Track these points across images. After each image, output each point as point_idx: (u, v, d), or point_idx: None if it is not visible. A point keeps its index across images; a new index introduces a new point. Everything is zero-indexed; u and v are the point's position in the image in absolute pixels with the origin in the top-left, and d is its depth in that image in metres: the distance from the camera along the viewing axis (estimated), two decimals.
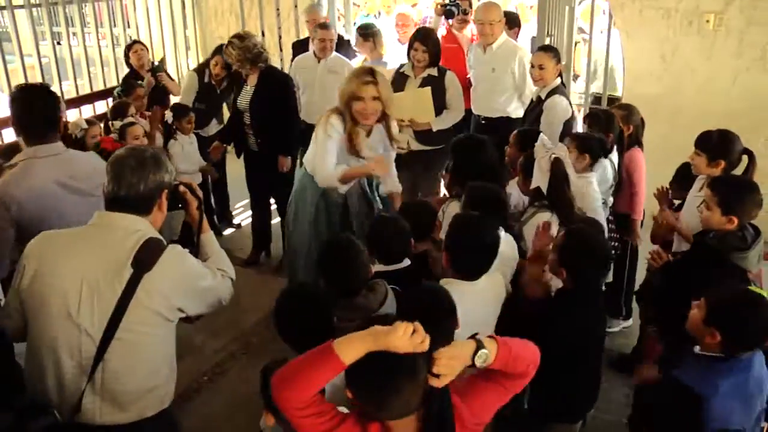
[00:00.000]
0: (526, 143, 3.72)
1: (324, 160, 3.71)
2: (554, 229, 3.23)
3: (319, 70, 5.52)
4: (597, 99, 6.16)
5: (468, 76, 5.46)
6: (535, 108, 4.61)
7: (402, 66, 5.11)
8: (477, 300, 2.65)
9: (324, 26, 5.56)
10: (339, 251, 2.68)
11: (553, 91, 4.51)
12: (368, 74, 3.55)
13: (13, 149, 4.32)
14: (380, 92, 3.53)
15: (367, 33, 5.84)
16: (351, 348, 1.66)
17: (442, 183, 4.83)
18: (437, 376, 1.70)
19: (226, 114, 5.70)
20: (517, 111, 5.22)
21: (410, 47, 4.92)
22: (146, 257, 2.17)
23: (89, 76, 6.99)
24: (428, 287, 2.45)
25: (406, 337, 1.65)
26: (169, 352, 2.42)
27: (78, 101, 6.39)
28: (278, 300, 2.46)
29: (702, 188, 3.19)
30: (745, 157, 3.47)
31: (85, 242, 2.22)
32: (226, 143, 5.37)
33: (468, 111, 5.36)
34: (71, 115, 5.76)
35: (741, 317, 2.25)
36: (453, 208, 3.44)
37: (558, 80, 4.58)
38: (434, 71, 4.91)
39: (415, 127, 4.89)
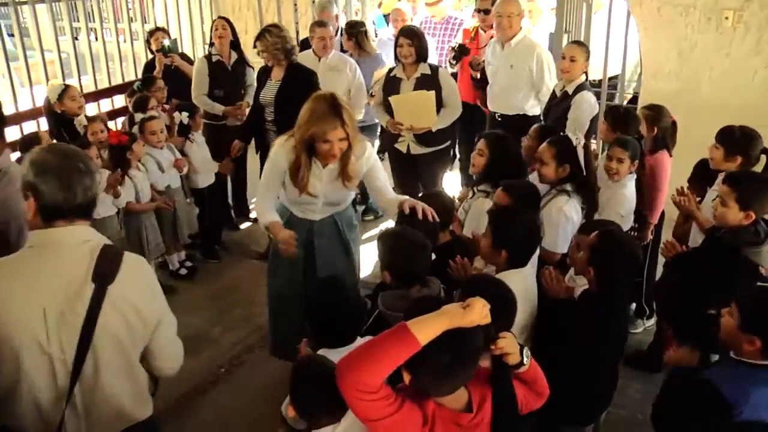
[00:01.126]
0: (546, 138, 3.79)
1: (263, 190, 3.46)
2: (572, 213, 3.35)
3: (321, 69, 5.37)
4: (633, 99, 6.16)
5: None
6: (561, 103, 4.62)
7: (392, 69, 5.05)
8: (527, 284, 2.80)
9: (321, 24, 5.53)
10: (404, 241, 2.71)
11: (580, 87, 4.55)
12: (335, 115, 3.10)
13: (32, 140, 4.41)
14: (348, 131, 3.15)
15: (351, 32, 5.83)
16: (427, 328, 1.71)
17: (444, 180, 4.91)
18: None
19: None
20: (533, 108, 5.23)
21: (396, 45, 4.89)
22: (106, 268, 1.99)
23: (108, 71, 7.06)
24: (489, 278, 2.57)
25: (483, 313, 1.76)
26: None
27: (96, 95, 6.45)
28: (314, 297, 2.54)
29: None
30: (763, 157, 3.49)
31: (32, 267, 1.99)
32: (246, 141, 5.29)
33: (475, 108, 5.37)
34: (90, 110, 5.81)
35: None
36: (480, 204, 3.49)
37: (583, 77, 4.61)
38: (426, 69, 4.86)
39: (415, 132, 4.88)
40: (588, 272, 2.69)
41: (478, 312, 1.76)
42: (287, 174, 3.33)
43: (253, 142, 5.32)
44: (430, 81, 4.82)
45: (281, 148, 3.32)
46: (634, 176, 3.80)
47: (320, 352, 2.36)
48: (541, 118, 4.95)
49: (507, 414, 1.90)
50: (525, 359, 1.95)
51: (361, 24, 6.06)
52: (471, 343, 1.77)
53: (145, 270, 2.15)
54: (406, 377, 1.79)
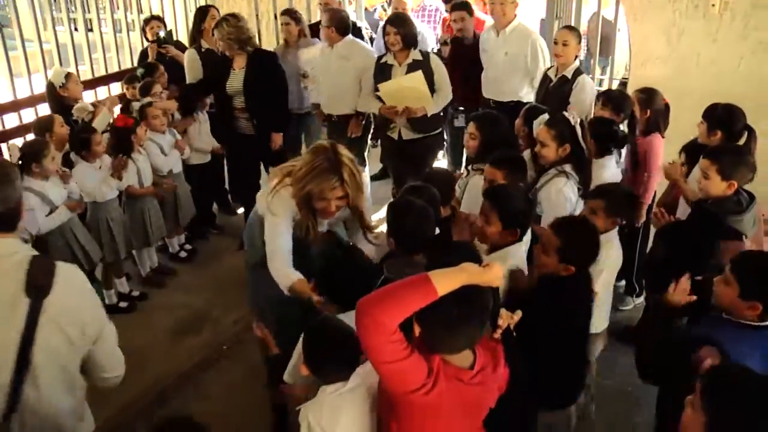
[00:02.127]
0: (530, 118, 3.93)
1: (278, 248, 3.01)
2: (570, 194, 3.46)
3: (331, 56, 5.35)
4: (623, 84, 6.28)
5: None
6: (560, 87, 4.74)
7: (382, 56, 5.10)
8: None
9: (327, 11, 5.49)
10: (409, 210, 2.82)
11: (578, 71, 4.68)
12: (334, 173, 2.86)
13: (46, 122, 4.49)
14: (348, 190, 2.91)
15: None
16: (447, 280, 1.79)
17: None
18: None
19: None
20: (528, 95, 5.32)
21: (384, 33, 4.98)
22: (40, 281, 1.88)
23: (105, 61, 7.12)
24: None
25: (499, 275, 1.89)
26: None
27: (93, 83, 6.52)
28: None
29: None
30: (746, 134, 3.63)
31: None
32: (224, 138, 5.40)
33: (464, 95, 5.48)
34: (87, 97, 5.88)
35: None
36: (476, 181, 3.60)
37: (578, 61, 4.73)
38: (418, 55, 4.94)
39: (411, 115, 4.91)
40: (551, 259, 2.76)
41: (495, 273, 1.87)
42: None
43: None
44: (421, 67, 4.88)
45: (279, 202, 3.02)
46: (613, 157, 3.90)
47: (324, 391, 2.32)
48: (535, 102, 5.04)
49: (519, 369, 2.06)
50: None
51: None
52: (482, 302, 1.87)
53: (81, 280, 2.04)
54: (417, 329, 1.87)
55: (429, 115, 4.95)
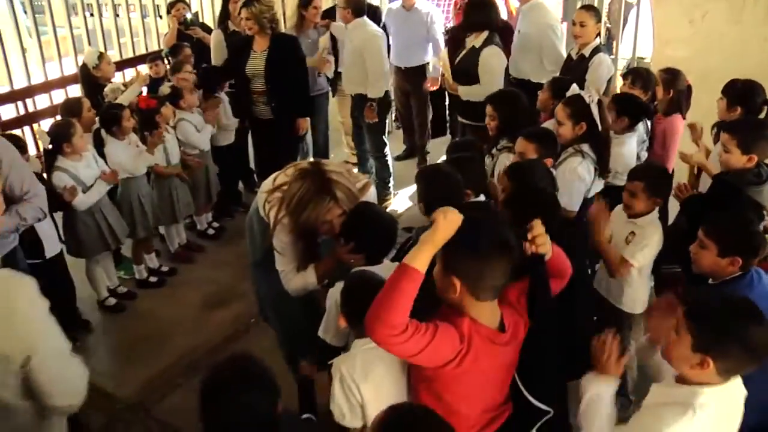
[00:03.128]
0: (561, 90, 3.96)
1: (290, 278, 2.98)
2: (585, 174, 3.47)
3: (346, 39, 5.50)
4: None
5: None
6: (578, 65, 4.77)
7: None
8: None
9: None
10: (439, 175, 2.92)
11: (596, 49, 4.72)
12: (326, 193, 2.70)
13: (74, 104, 4.61)
14: (344, 204, 2.75)
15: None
16: (420, 256, 1.84)
17: None
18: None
19: None
20: (539, 75, 5.24)
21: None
22: None
23: (132, 44, 7.25)
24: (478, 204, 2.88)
25: (449, 221, 1.88)
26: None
27: (121, 65, 6.65)
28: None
29: None
30: (765, 109, 3.67)
31: None
32: (245, 116, 5.43)
33: None
34: (116, 79, 6.01)
35: (753, 232, 2.52)
36: (505, 159, 3.67)
37: (598, 40, 4.78)
38: (478, 42, 4.93)
39: (450, 88, 5.12)
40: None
41: (441, 225, 1.87)
42: None
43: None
44: (473, 54, 4.95)
45: (284, 238, 2.91)
46: (635, 135, 3.94)
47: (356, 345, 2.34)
48: None
49: (544, 300, 2.09)
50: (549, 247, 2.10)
51: None
52: (495, 239, 1.92)
53: (5, 294, 1.85)
54: (457, 283, 1.91)
55: (463, 99, 5.02)
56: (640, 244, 3.10)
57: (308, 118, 5.33)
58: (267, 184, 3.01)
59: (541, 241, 2.06)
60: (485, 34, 4.92)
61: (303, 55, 5.20)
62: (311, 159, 5.82)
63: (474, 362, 1.94)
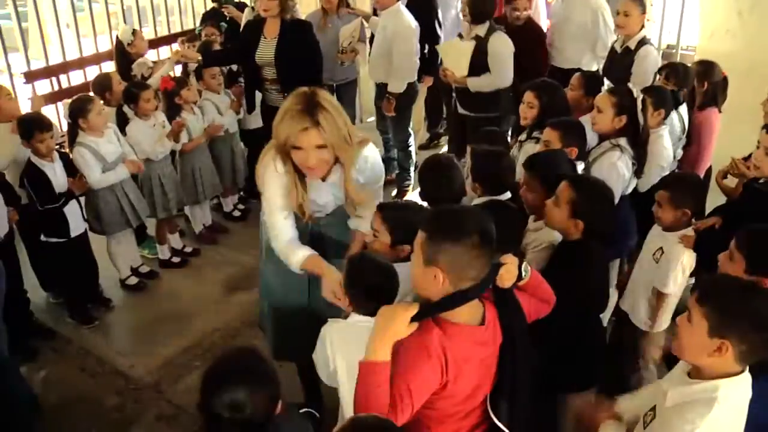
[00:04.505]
0: (594, 86, 3.83)
1: (277, 222, 2.72)
2: (623, 169, 3.37)
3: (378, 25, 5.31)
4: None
5: None
6: (623, 58, 4.60)
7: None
8: None
9: None
10: (437, 166, 2.92)
11: (642, 41, 4.55)
12: (307, 114, 2.46)
13: (103, 80, 4.62)
14: (327, 137, 2.47)
15: None
16: (382, 349, 1.81)
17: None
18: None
19: None
20: (590, 63, 5.18)
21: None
22: None
23: (168, 22, 7.26)
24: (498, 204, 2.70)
25: (399, 315, 1.83)
26: None
27: (155, 43, 6.67)
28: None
29: None
30: None
31: None
32: (253, 107, 5.18)
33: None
34: (150, 57, 6.01)
35: None
36: (531, 149, 3.56)
37: (644, 31, 4.60)
38: (482, 31, 4.76)
39: (454, 81, 4.89)
40: (572, 226, 2.64)
41: (398, 319, 1.82)
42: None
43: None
44: (480, 42, 4.77)
45: (266, 173, 2.71)
46: (667, 127, 3.78)
47: (353, 317, 2.34)
48: (602, 74, 4.90)
49: (517, 329, 1.97)
50: (524, 273, 2.00)
51: None
52: (485, 225, 1.84)
53: None
54: (440, 274, 1.81)
55: (472, 91, 4.83)
56: (668, 267, 2.93)
57: None
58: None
59: (507, 276, 1.95)
60: (487, 23, 4.77)
61: (316, 40, 4.93)
62: None
63: (456, 380, 1.87)
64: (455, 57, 4.84)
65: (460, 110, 5.07)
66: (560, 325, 2.37)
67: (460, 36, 4.95)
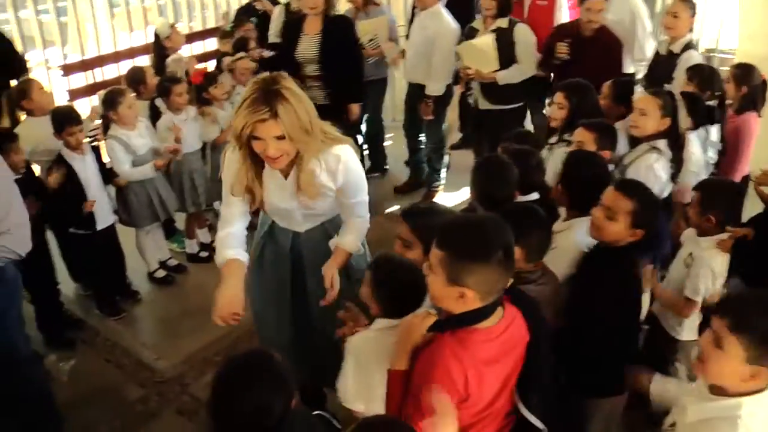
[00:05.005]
0: (623, 94, 3.77)
1: (221, 226, 2.70)
2: (660, 172, 3.34)
3: (416, 22, 5.23)
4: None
5: None
6: (666, 62, 4.49)
7: (473, 21, 5.01)
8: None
9: None
10: (493, 165, 2.87)
11: (688, 45, 4.44)
12: (265, 104, 2.29)
13: (137, 73, 4.67)
14: (285, 128, 2.32)
15: None
16: (403, 358, 1.90)
17: None
18: None
19: None
20: (628, 66, 5.02)
21: None
22: None
23: (203, 17, 7.32)
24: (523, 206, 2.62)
25: (415, 330, 1.90)
26: None
27: (190, 38, 6.70)
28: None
29: None
30: None
31: None
32: None
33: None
34: (185, 52, 6.07)
35: None
36: (561, 154, 3.50)
37: (690, 35, 4.50)
38: (504, 23, 4.73)
39: (480, 79, 4.81)
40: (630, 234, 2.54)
41: (416, 331, 1.89)
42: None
43: None
44: (505, 34, 4.73)
45: (227, 162, 2.62)
46: (696, 132, 3.69)
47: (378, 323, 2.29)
48: (643, 78, 4.82)
49: (539, 323, 2.00)
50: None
51: None
52: (507, 239, 1.80)
53: None
54: (469, 293, 1.78)
55: (500, 84, 4.77)
56: (698, 273, 2.85)
57: (359, 104, 5.05)
58: None
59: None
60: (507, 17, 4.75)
61: (357, 38, 4.98)
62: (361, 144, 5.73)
63: (480, 386, 1.84)
64: (477, 55, 4.76)
65: (482, 106, 5.00)
66: (594, 331, 2.38)
67: (467, 35, 4.90)
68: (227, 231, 2.65)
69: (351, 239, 2.70)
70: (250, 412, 1.75)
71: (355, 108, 4.99)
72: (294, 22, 4.84)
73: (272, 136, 2.33)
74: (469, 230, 1.82)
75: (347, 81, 4.81)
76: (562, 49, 4.61)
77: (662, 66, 4.53)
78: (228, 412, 1.76)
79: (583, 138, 3.28)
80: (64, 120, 3.93)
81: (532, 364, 1.96)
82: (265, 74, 2.40)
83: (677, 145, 3.42)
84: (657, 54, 4.69)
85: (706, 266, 2.87)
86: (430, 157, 5.70)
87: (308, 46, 4.71)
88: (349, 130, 5.05)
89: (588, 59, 4.45)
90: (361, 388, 2.14)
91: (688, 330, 3.04)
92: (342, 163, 2.56)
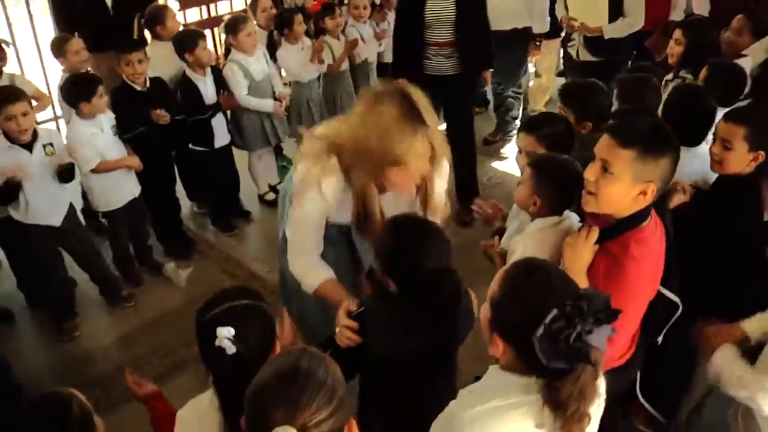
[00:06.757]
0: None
1: (301, 253, 2.32)
2: None
3: None
4: None
5: None
6: None
7: None
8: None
9: None
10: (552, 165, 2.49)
11: None
12: (417, 122, 1.95)
13: (237, 20, 4.69)
14: (434, 144, 2.01)
15: None
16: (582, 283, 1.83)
17: None
18: None
19: None
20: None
21: None
22: None
23: None
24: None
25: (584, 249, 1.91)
26: None
27: None
28: None
29: None
30: None
31: None
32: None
33: None
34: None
35: None
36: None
37: None
38: None
39: (586, 32, 4.60)
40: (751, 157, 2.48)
41: (586, 250, 1.89)
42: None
43: None
44: None
45: (317, 181, 2.12)
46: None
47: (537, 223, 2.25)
48: None
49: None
50: None
51: None
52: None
53: None
54: (651, 188, 1.82)
55: (606, 37, 4.57)
56: None
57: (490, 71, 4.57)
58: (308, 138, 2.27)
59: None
60: None
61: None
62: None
63: (656, 280, 1.99)
64: (584, 7, 4.62)
65: (583, 57, 4.76)
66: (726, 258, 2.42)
67: None
68: (308, 257, 2.31)
69: None
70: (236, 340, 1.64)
71: (488, 75, 4.59)
72: None
73: (422, 157, 2.00)
74: (647, 123, 1.87)
75: (482, 46, 4.34)
76: None
77: None
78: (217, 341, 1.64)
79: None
80: (186, 41, 4.17)
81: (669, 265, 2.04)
82: (387, 87, 2.03)
83: None
84: None
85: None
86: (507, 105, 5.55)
87: (438, 4, 4.14)
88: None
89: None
90: None
91: None
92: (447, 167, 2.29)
